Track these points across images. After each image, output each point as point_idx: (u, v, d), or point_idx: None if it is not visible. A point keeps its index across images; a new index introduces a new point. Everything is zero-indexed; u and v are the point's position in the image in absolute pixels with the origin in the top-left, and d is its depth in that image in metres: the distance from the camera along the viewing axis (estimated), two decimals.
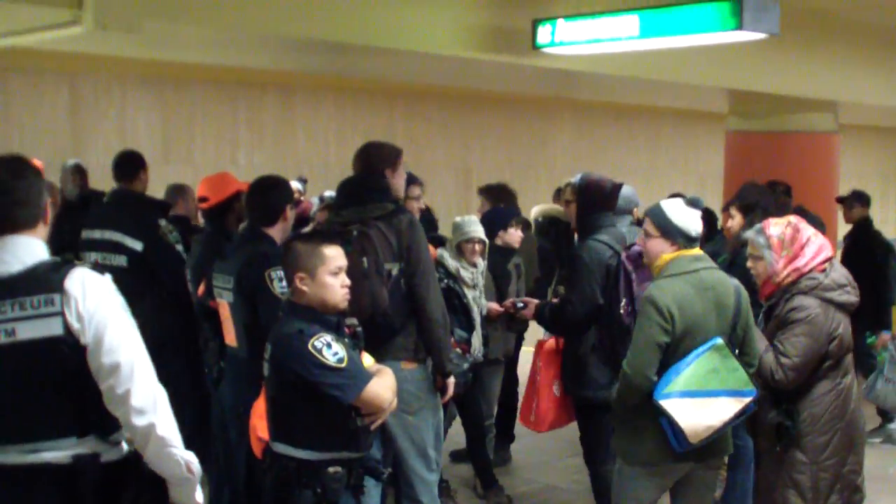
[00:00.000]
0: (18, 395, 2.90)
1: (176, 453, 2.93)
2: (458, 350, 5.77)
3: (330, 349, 3.58)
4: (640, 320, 4.28)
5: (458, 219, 6.26)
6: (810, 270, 4.46)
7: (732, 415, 4.19)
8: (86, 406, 2.91)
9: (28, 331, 2.85)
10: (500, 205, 7.17)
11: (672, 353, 4.19)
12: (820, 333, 4.40)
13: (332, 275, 3.74)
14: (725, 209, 6.46)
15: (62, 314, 2.85)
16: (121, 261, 5.94)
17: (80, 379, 2.89)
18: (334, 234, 4.33)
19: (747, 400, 4.20)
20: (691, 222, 4.32)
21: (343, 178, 5.05)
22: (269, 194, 4.86)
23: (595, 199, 5.41)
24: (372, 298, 4.68)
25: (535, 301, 5.84)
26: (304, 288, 3.71)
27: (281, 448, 3.68)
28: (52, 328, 2.85)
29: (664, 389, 4.14)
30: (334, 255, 3.76)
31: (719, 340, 4.16)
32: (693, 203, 4.42)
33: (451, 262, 6.06)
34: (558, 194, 8.25)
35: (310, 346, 3.57)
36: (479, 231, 6.14)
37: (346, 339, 3.75)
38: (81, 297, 2.86)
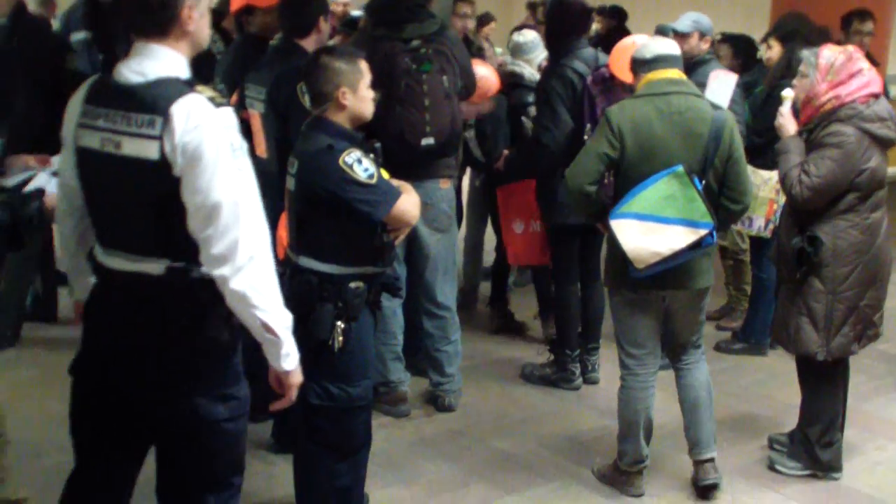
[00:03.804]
0: (121, 208, 2.82)
1: (253, 312, 2.75)
2: None
3: (360, 165, 3.57)
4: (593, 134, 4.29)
5: (520, 38, 6.21)
6: (852, 101, 4.34)
7: (685, 245, 4.05)
8: (178, 237, 2.75)
9: (130, 147, 2.71)
10: None
11: (631, 178, 4.12)
12: (848, 161, 4.32)
13: (368, 88, 3.73)
14: (764, 40, 6.34)
15: (160, 139, 2.67)
16: None
17: (174, 208, 2.72)
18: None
19: (703, 232, 4.05)
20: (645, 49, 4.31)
21: None
22: (302, 6, 4.77)
23: (565, 23, 5.45)
24: (452, 118, 4.84)
25: None
26: (346, 102, 3.67)
27: (305, 262, 3.70)
28: (150, 151, 2.68)
29: (619, 209, 4.10)
30: (367, 69, 3.76)
31: (680, 168, 4.03)
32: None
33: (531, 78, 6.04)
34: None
35: (340, 162, 3.55)
36: None
37: (371, 155, 3.73)
38: (183, 127, 2.67)
